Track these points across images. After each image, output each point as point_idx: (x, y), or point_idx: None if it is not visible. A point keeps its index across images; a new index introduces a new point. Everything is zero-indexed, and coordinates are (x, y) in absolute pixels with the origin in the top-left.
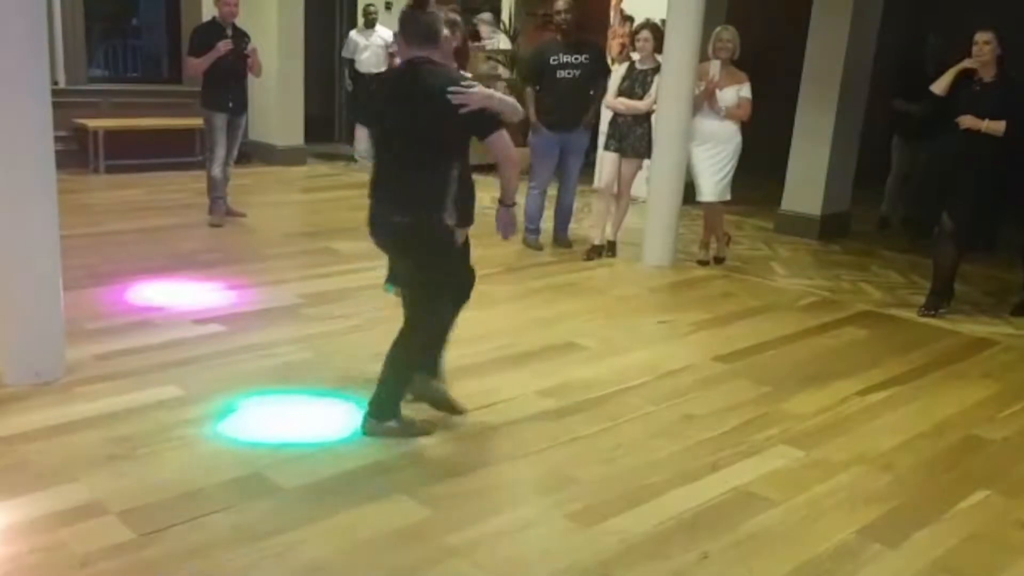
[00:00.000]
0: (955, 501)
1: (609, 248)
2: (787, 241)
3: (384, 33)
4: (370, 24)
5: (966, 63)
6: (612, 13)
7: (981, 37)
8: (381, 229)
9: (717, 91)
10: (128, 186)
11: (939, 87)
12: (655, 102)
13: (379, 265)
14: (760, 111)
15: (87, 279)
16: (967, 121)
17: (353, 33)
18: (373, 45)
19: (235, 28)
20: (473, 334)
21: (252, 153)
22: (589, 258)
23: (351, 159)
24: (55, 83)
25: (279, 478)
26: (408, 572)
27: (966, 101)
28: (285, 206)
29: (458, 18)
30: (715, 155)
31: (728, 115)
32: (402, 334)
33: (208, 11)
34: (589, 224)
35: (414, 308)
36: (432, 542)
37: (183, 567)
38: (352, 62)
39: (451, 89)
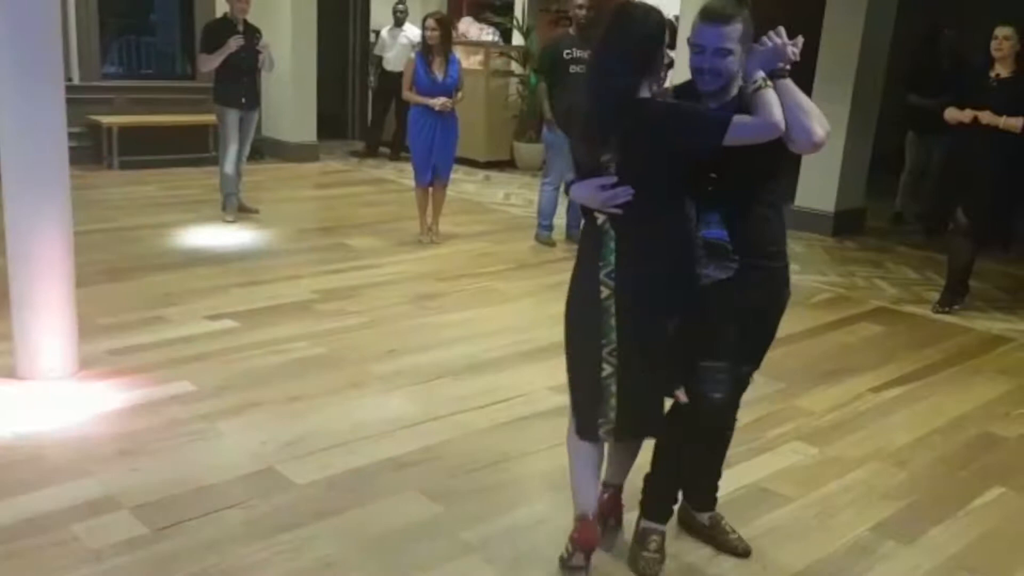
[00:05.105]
0: (970, 498)
1: None
2: (801, 237)
3: (411, 32)
4: (399, 23)
5: (980, 116)
6: None
7: (1001, 32)
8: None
9: None
10: (142, 182)
11: (950, 116)
12: None
13: (392, 261)
14: None
15: (100, 275)
16: (985, 117)
17: (383, 31)
18: (399, 44)
19: (246, 24)
20: (486, 330)
21: (265, 149)
22: None
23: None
24: (69, 80)
25: (292, 474)
26: (421, 568)
27: (984, 97)
28: (298, 202)
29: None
30: None
31: None
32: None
33: (221, 8)
34: None
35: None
36: (445, 538)
37: (196, 562)
38: (381, 59)
39: None
